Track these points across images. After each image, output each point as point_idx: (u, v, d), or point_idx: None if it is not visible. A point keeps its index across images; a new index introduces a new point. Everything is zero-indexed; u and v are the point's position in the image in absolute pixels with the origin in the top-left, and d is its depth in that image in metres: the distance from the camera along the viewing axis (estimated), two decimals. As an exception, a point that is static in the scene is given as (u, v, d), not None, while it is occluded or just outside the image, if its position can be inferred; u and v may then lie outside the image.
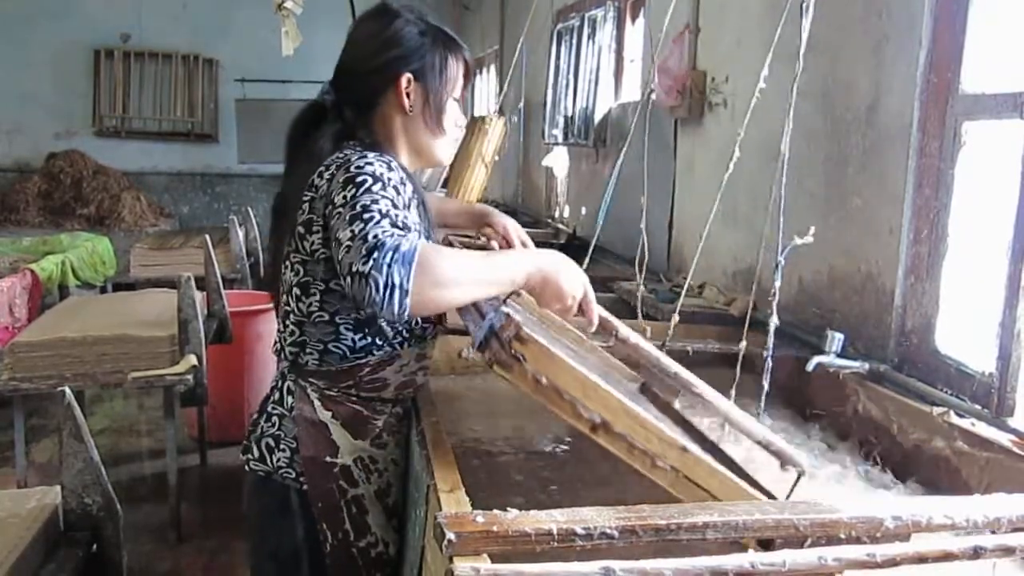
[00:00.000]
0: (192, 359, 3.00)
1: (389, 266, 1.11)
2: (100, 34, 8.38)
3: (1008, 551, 1.06)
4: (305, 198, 1.39)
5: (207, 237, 3.69)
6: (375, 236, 1.15)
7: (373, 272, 1.11)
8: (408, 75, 1.45)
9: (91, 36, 8.35)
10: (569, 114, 4.78)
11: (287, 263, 1.46)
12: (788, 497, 1.25)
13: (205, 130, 8.79)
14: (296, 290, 1.45)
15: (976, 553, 1.04)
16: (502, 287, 1.23)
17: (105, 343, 3.00)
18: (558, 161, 5.03)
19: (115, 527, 1.50)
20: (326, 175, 1.36)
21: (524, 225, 5.56)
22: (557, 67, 5.05)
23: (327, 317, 1.43)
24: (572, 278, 1.25)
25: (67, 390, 1.49)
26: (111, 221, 7.40)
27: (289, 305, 1.47)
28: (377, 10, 1.50)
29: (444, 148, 1.54)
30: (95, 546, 1.49)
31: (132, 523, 2.46)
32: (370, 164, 1.31)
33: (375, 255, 1.12)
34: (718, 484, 1.18)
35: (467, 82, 1.55)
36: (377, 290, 1.11)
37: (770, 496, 1.23)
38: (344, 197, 1.26)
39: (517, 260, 1.27)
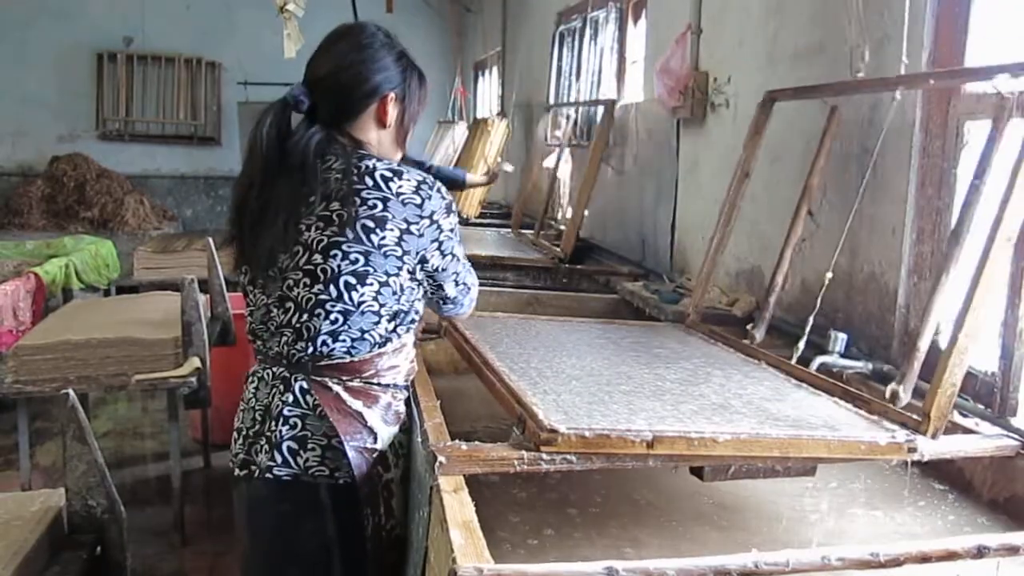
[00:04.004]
0: (196, 361, 3.00)
1: (473, 301, 1.73)
2: (103, 37, 8.39)
3: (1013, 550, 1.06)
4: (357, 194, 1.46)
5: (210, 240, 3.69)
6: (476, 285, 1.71)
7: (468, 308, 1.72)
8: (392, 94, 1.59)
9: (94, 39, 8.36)
10: (571, 115, 4.78)
11: (321, 255, 1.45)
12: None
13: (208, 133, 8.80)
14: (350, 279, 1.45)
15: (980, 552, 1.04)
16: None
17: (109, 346, 3.00)
18: (560, 162, 5.02)
19: (119, 530, 1.51)
20: (379, 180, 1.49)
21: (525, 227, 5.49)
22: (559, 68, 5.04)
23: (376, 307, 1.48)
24: None
25: (71, 393, 1.49)
26: (114, 224, 7.39)
27: (328, 294, 1.46)
28: (356, 30, 1.60)
29: (398, 159, 1.68)
30: (99, 548, 1.50)
31: (136, 526, 2.46)
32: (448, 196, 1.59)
33: (473, 304, 1.73)
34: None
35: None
36: (461, 313, 1.72)
37: None
38: (452, 228, 1.57)
39: None
